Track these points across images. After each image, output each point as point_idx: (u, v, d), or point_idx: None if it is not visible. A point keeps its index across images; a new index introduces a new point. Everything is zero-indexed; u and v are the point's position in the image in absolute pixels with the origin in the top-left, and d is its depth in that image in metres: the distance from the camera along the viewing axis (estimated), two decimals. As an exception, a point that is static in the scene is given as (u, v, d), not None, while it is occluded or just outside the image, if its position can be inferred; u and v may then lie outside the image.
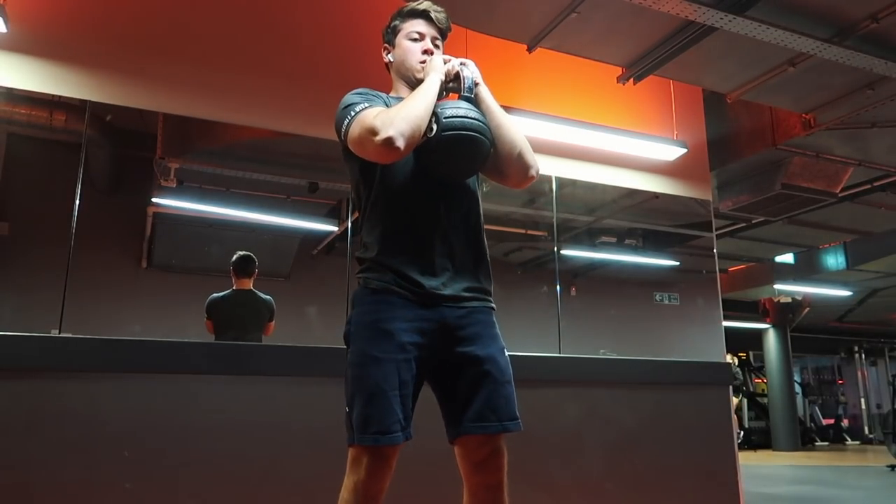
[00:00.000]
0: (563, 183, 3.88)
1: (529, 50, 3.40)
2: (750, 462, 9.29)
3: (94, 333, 2.45)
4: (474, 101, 1.56)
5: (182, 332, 2.75)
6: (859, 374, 16.30)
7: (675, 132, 4.18)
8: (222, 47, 3.20)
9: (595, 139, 3.83)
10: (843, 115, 3.99)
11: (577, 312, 3.82)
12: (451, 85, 1.59)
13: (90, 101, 2.87)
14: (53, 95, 2.87)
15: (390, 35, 1.75)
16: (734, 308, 10.95)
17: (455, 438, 1.51)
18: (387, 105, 1.54)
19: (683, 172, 4.25)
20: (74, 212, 2.74)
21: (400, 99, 1.60)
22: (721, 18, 2.89)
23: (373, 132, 1.39)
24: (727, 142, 4.95)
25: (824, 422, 15.13)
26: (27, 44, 2.82)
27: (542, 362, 3.08)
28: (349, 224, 3.33)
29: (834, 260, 8.58)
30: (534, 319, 3.75)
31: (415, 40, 1.68)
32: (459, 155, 1.50)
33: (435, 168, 1.53)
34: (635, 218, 4.50)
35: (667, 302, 4.39)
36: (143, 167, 3.18)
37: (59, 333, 2.54)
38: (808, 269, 9.05)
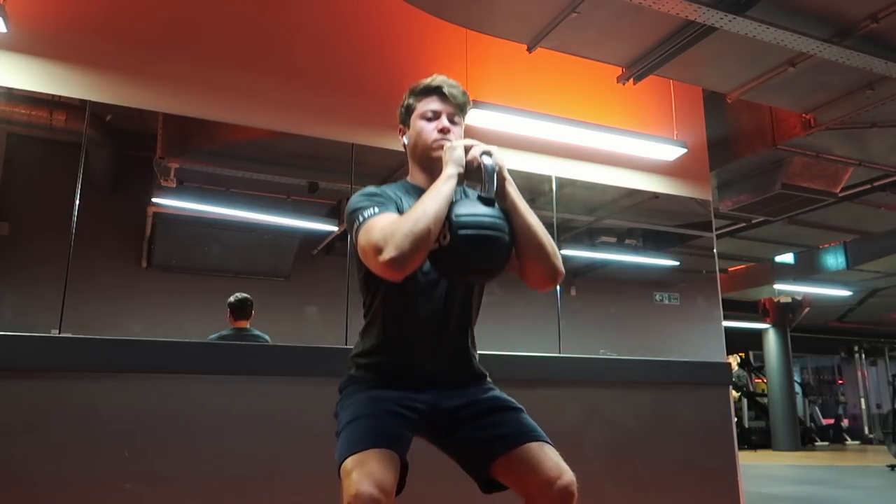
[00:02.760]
0: (563, 183, 3.88)
1: (529, 50, 3.40)
2: (750, 462, 9.29)
3: (94, 333, 2.46)
4: (497, 195, 1.42)
5: (182, 332, 2.75)
6: (859, 374, 16.30)
7: (675, 132, 4.18)
8: (222, 47, 3.20)
9: (595, 139, 3.83)
10: (843, 115, 3.99)
11: (577, 312, 3.82)
12: (473, 175, 1.44)
13: (90, 101, 2.87)
14: (53, 95, 2.87)
15: (405, 115, 1.63)
16: (734, 308, 10.96)
17: (493, 462, 1.43)
18: (398, 205, 1.48)
19: (683, 172, 4.25)
20: (74, 212, 2.74)
21: (416, 189, 1.54)
22: (721, 18, 2.89)
23: (376, 250, 1.31)
24: (727, 142, 4.95)
25: (824, 422, 15.14)
26: (27, 44, 2.82)
27: (542, 362, 3.09)
28: (349, 224, 3.33)
29: (834, 260, 8.58)
30: (534, 319, 3.75)
31: (429, 119, 1.57)
32: (473, 266, 1.40)
33: (448, 276, 1.47)
34: (635, 218, 4.50)
35: (667, 302, 4.39)
36: (143, 167, 3.19)
37: (59, 333, 2.54)
38: (808, 269, 9.05)
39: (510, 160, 4.00)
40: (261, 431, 2.56)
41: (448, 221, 1.35)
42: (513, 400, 1.54)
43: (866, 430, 15.58)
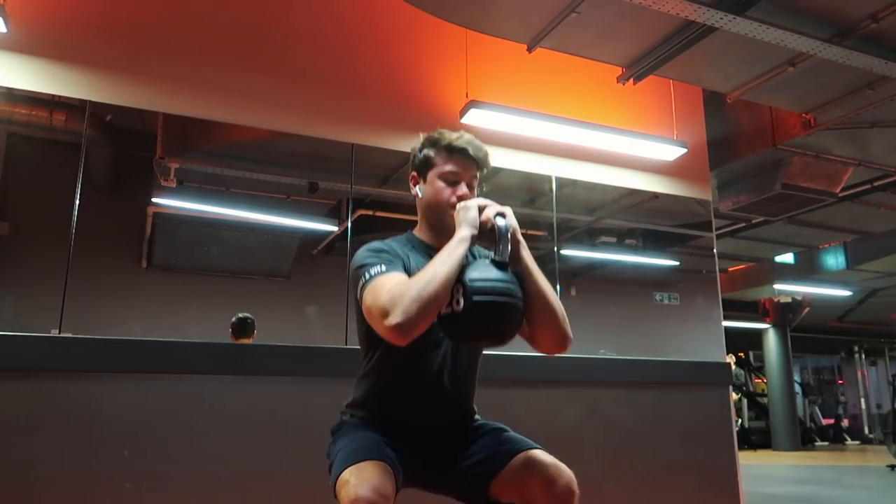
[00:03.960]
0: (563, 183, 3.88)
1: (529, 50, 3.40)
2: (750, 462, 9.30)
3: (94, 333, 2.45)
4: (510, 259, 1.37)
5: (182, 332, 2.75)
6: (859, 374, 16.32)
7: (675, 132, 4.18)
8: (222, 47, 3.20)
9: (595, 139, 3.83)
10: (843, 115, 3.99)
11: (577, 312, 3.82)
12: (486, 236, 1.39)
13: (90, 101, 2.87)
14: (53, 95, 2.87)
15: (421, 166, 1.54)
16: (734, 308, 10.95)
17: (492, 480, 1.41)
18: (405, 263, 1.44)
19: (683, 172, 4.25)
20: (74, 212, 2.74)
21: (423, 245, 1.52)
22: (721, 18, 2.89)
23: (383, 313, 1.25)
24: (727, 142, 4.95)
25: (824, 422, 15.15)
26: (27, 44, 2.82)
27: (542, 362, 3.08)
28: (349, 224, 3.33)
29: (834, 260, 8.59)
30: (534, 319, 3.74)
31: (449, 182, 1.49)
32: (487, 333, 1.36)
33: (458, 341, 1.45)
34: (635, 218, 4.50)
35: (667, 302, 4.39)
36: (143, 167, 3.19)
37: (59, 333, 2.54)
38: (808, 269, 9.06)
39: (510, 160, 4.02)
40: (261, 431, 2.56)
41: (461, 286, 1.30)
42: (496, 423, 1.53)
43: (866, 430, 15.59)
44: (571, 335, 1.46)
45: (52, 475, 2.25)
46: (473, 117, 3.51)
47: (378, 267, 1.36)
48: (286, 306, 3.36)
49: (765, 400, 13.13)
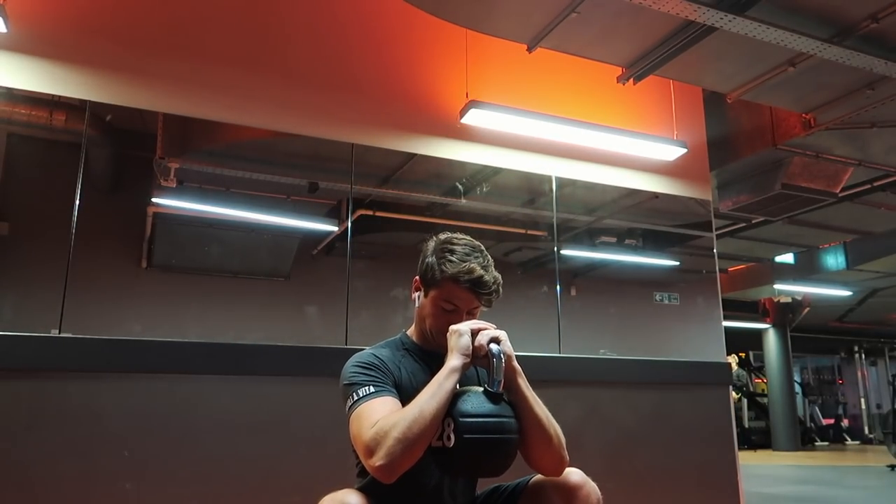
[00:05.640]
0: (563, 183, 3.88)
1: (529, 50, 3.40)
2: (750, 462, 9.30)
3: (94, 333, 2.46)
4: (505, 385, 1.33)
5: (182, 332, 2.75)
6: (859, 374, 16.32)
7: (675, 132, 4.18)
8: (223, 47, 3.20)
9: (595, 139, 3.83)
10: (843, 115, 3.99)
11: (577, 312, 3.82)
12: (479, 362, 1.36)
13: (90, 101, 2.87)
14: (53, 95, 2.87)
15: (424, 275, 1.49)
16: (734, 308, 10.96)
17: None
18: (396, 377, 1.40)
19: (683, 172, 4.25)
20: (74, 212, 2.74)
21: (416, 350, 1.51)
22: (721, 18, 2.89)
23: (366, 451, 1.21)
24: (727, 142, 4.95)
25: (824, 422, 15.16)
26: (27, 44, 2.82)
27: (542, 362, 3.09)
28: (349, 224, 3.33)
29: (834, 260, 8.59)
30: (534, 319, 3.75)
31: (446, 311, 1.44)
32: (479, 470, 1.35)
33: (448, 474, 1.41)
34: (635, 218, 4.50)
35: (667, 302, 4.38)
36: (143, 167, 3.18)
37: (59, 333, 2.54)
38: (808, 269, 9.06)
39: (510, 160, 4.02)
40: (261, 431, 2.56)
41: (452, 420, 1.26)
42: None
43: (866, 430, 15.60)
44: (568, 458, 1.41)
45: (52, 475, 2.25)
46: (473, 117, 3.51)
47: (366, 388, 1.32)
48: (286, 306, 3.36)
49: (765, 400, 13.14)
